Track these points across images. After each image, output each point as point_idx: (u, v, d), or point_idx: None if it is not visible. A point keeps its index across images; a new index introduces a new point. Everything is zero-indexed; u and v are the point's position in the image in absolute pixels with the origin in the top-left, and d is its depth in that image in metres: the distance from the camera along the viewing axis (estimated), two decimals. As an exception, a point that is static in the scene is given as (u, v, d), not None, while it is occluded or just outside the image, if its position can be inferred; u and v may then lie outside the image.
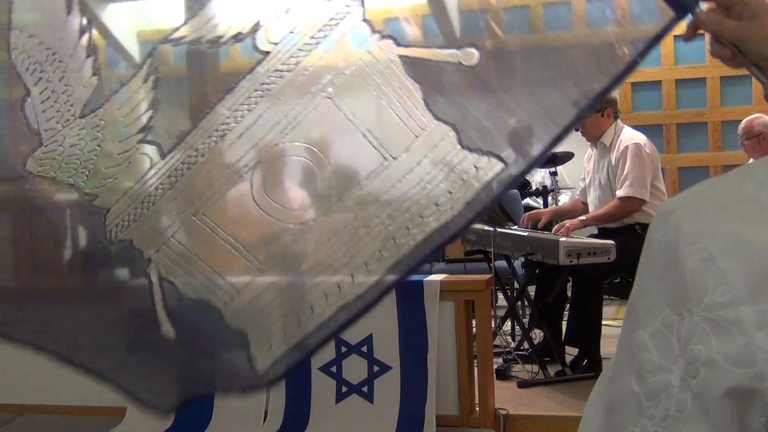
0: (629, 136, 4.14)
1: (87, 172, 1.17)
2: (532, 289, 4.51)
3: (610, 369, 0.57)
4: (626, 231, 4.08)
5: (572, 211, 4.63)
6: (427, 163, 1.03)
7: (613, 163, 4.12)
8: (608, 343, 4.32)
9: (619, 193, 4.06)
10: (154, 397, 1.17)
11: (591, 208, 4.34)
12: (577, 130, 4.29)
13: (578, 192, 4.61)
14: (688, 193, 0.55)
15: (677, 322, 0.52)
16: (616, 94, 4.34)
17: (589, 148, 4.40)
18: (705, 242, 0.52)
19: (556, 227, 4.08)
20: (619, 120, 4.24)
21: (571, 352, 4.14)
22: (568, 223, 4.06)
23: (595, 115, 4.16)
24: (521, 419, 3.32)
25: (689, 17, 0.94)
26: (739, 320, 0.50)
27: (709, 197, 0.54)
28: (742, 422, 0.50)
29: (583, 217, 4.17)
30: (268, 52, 1.09)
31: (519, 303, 4.68)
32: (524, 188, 6.16)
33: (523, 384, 3.82)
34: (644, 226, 4.09)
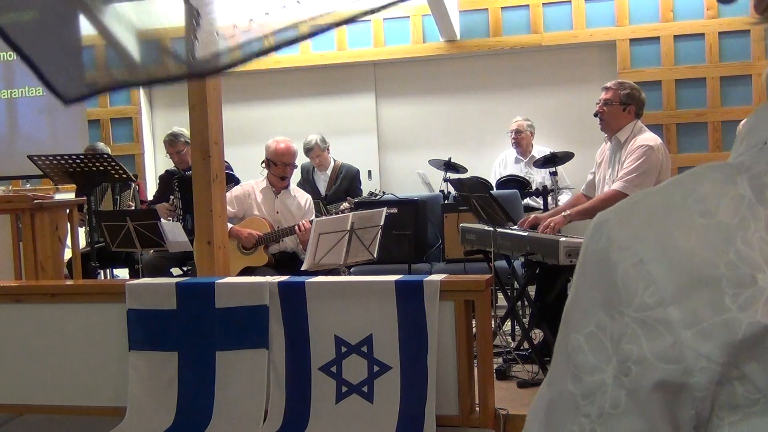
0: (644, 136, 4.14)
1: None
2: (532, 289, 4.51)
3: (550, 373, 0.59)
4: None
5: (571, 208, 4.63)
6: None
7: (623, 159, 4.12)
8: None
9: (614, 185, 4.06)
10: (64, 81, 1.12)
11: None
12: (596, 115, 4.29)
13: (583, 186, 4.59)
14: (621, 205, 0.58)
15: (609, 324, 0.54)
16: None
17: (604, 142, 4.39)
18: (635, 248, 0.54)
19: (541, 227, 4.07)
20: (639, 121, 4.24)
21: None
22: (552, 221, 4.06)
23: (617, 107, 4.17)
24: (521, 419, 3.31)
25: None
26: (667, 320, 0.52)
27: (640, 207, 0.57)
28: (673, 415, 0.52)
29: (567, 212, 4.17)
30: None
31: (519, 303, 4.68)
32: (524, 188, 6.16)
33: (523, 384, 3.82)
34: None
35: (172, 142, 5.97)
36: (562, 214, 4.14)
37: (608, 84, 4.31)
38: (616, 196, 4.05)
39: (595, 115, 4.29)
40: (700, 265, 0.53)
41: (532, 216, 4.40)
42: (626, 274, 0.54)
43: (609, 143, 4.30)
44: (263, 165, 5.22)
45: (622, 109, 4.17)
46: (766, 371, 0.51)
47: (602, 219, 0.58)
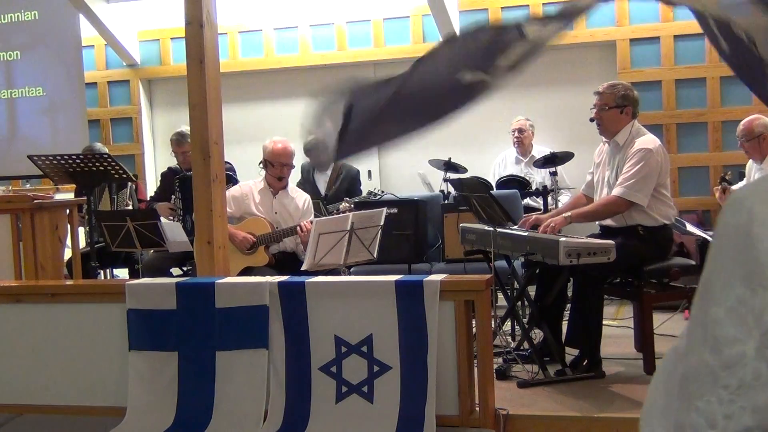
0: (643, 139, 4.12)
1: None
2: (532, 289, 4.51)
3: (681, 346, 0.60)
4: (627, 231, 4.08)
5: (572, 209, 4.63)
6: None
7: (622, 163, 4.11)
8: (608, 343, 4.32)
9: (614, 191, 4.06)
10: None
11: None
12: (592, 121, 4.28)
13: (583, 186, 4.59)
14: (758, 182, 0.59)
15: (751, 297, 0.55)
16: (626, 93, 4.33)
17: (601, 143, 4.38)
18: None
19: (541, 228, 4.07)
20: (636, 121, 4.23)
21: (571, 352, 4.14)
22: (553, 222, 4.06)
23: (614, 110, 4.16)
24: (521, 419, 3.32)
25: None
26: None
27: None
28: None
29: (568, 214, 4.17)
30: None
31: (519, 303, 4.68)
32: (524, 188, 6.16)
33: (523, 384, 3.82)
34: (646, 228, 4.09)
35: (179, 141, 5.95)
36: (563, 215, 4.14)
37: (600, 88, 4.27)
38: (617, 202, 4.05)
39: (592, 120, 4.28)
40: None
41: (533, 216, 4.40)
42: None
43: (607, 145, 4.30)
44: (261, 165, 5.22)
45: (619, 111, 4.17)
46: None
47: (742, 195, 0.59)
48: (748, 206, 0.57)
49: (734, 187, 5.28)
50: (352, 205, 5.02)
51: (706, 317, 0.57)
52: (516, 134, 6.60)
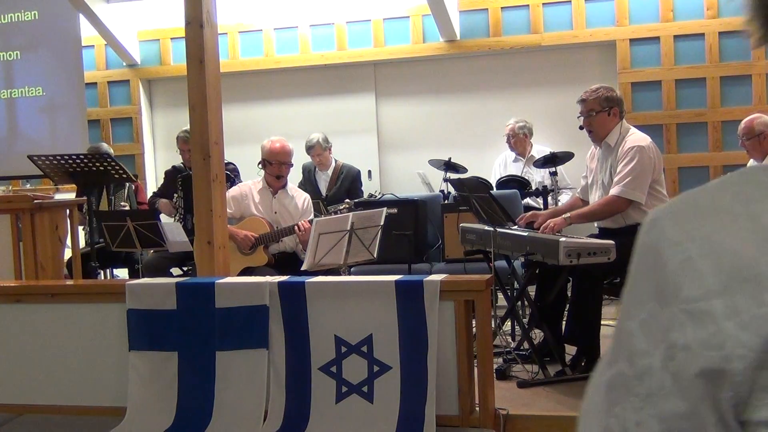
0: (634, 137, 4.13)
1: None
2: (532, 289, 4.51)
3: (608, 354, 0.66)
4: (627, 231, 4.08)
5: (570, 210, 4.63)
6: None
7: (616, 164, 4.12)
8: (608, 343, 4.32)
9: (612, 191, 4.07)
10: None
11: None
12: (582, 129, 4.29)
13: (579, 190, 4.61)
14: (673, 203, 0.64)
15: (660, 313, 0.60)
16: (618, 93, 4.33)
17: (593, 147, 4.39)
18: (686, 245, 0.60)
19: (541, 228, 4.08)
20: (624, 120, 4.23)
21: (570, 351, 4.14)
22: (552, 222, 4.06)
23: (602, 114, 4.16)
24: (521, 419, 3.32)
25: None
26: (711, 311, 0.58)
27: (690, 206, 0.63)
28: (713, 397, 0.58)
29: (567, 215, 4.17)
30: None
31: (519, 303, 4.68)
32: (524, 188, 6.16)
33: (523, 384, 3.82)
34: (645, 227, 4.08)
35: (186, 139, 5.95)
36: (563, 216, 4.14)
37: (582, 96, 4.26)
38: (616, 201, 4.05)
39: (581, 128, 4.29)
40: (743, 263, 0.58)
41: (530, 213, 4.41)
42: (676, 269, 0.60)
43: (598, 148, 4.31)
44: (260, 165, 5.22)
45: (606, 114, 4.17)
46: None
47: (656, 216, 0.64)
48: (660, 226, 0.63)
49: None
50: (352, 205, 5.02)
51: (623, 330, 0.63)
52: (507, 140, 6.63)
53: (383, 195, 5.93)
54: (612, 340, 0.66)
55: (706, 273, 0.58)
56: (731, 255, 0.58)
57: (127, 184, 6.08)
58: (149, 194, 6.67)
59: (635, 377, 0.61)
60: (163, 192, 6.21)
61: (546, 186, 6.17)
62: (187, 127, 5.76)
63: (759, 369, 0.56)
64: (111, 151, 6.47)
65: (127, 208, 5.99)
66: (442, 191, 6.36)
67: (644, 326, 0.61)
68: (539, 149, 6.57)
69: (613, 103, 4.17)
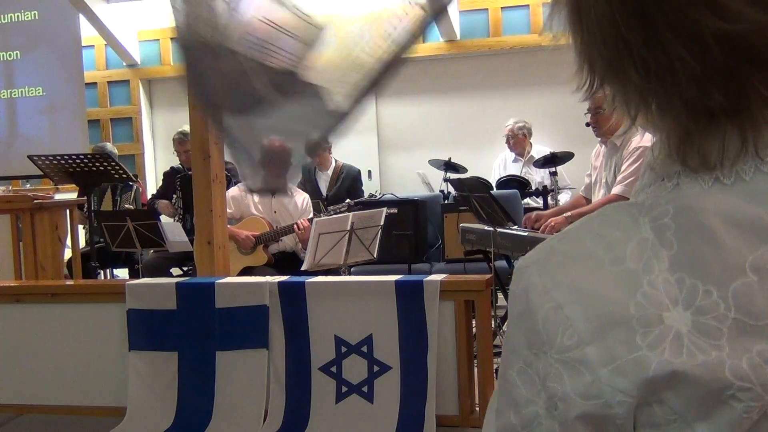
0: (639, 138, 4.12)
1: None
2: (532, 289, 4.50)
3: (495, 401, 0.65)
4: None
5: (573, 209, 4.63)
6: None
7: (621, 163, 4.11)
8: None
9: (614, 190, 4.06)
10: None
11: None
12: (588, 125, 4.28)
13: (582, 188, 4.59)
14: (539, 250, 0.64)
15: (535, 362, 0.60)
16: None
17: (598, 144, 4.38)
18: (553, 293, 0.60)
19: (542, 227, 4.07)
20: None
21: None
22: (552, 221, 4.06)
23: (608, 112, 4.15)
24: (521, 419, 3.32)
25: None
26: (586, 359, 0.57)
27: (556, 253, 0.62)
28: None
29: (568, 213, 4.17)
30: None
31: (519, 303, 4.67)
32: (524, 188, 6.16)
33: (523, 384, 3.81)
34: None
35: (181, 140, 5.96)
36: (564, 215, 4.14)
37: None
38: (618, 201, 4.04)
39: (587, 125, 4.28)
40: (612, 307, 0.57)
41: (534, 213, 4.41)
42: (546, 318, 0.59)
43: (604, 146, 4.31)
44: None
45: (612, 110, 4.16)
46: (680, 397, 0.56)
47: (524, 264, 0.63)
48: (527, 275, 0.62)
49: None
50: (352, 204, 5.03)
51: (505, 380, 0.63)
52: (506, 140, 6.63)
53: (383, 195, 5.94)
54: (496, 388, 0.66)
55: (576, 320, 0.58)
56: (600, 300, 0.58)
57: (135, 187, 6.09)
58: (149, 196, 6.68)
59: (522, 426, 0.61)
60: (162, 194, 6.21)
61: (546, 186, 6.17)
62: (185, 127, 5.80)
63: (639, 408, 0.57)
64: (115, 151, 6.48)
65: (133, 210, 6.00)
66: (442, 191, 6.36)
67: (523, 375, 0.61)
68: (539, 149, 6.57)
69: None
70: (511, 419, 0.61)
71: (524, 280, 0.62)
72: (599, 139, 4.31)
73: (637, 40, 0.60)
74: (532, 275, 0.62)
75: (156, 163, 8.16)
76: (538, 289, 0.61)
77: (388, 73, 1.46)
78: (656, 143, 0.67)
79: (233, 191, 5.19)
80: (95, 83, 8.01)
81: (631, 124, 0.66)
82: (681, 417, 0.56)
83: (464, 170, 6.37)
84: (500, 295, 4.77)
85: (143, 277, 4.79)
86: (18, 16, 7.86)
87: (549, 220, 4.10)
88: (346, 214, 4.46)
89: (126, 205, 6.01)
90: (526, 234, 4.04)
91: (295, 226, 4.91)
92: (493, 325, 3.52)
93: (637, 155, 4.04)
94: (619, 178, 4.07)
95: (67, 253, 4.86)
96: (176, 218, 5.72)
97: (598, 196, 4.31)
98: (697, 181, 0.61)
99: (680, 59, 0.57)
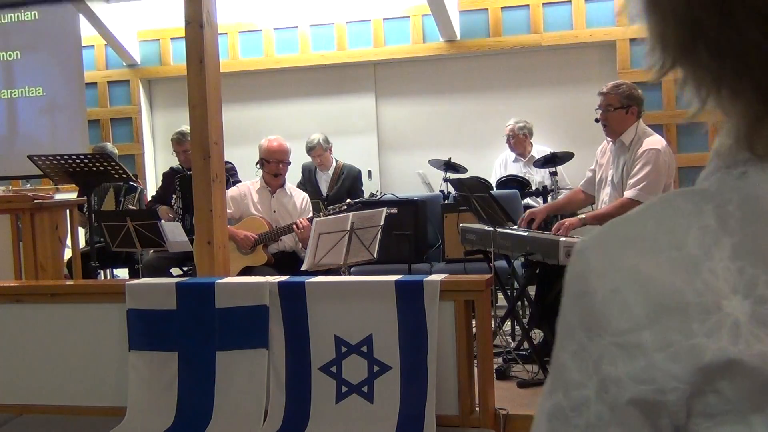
0: (650, 140, 4.12)
1: None
2: (532, 289, 4.51)
3: (547, 383, 0.65)
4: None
5: (568, 205, 4.64)
6: None
7: (629, 164, 4.11)
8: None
9: (627, 194, 4.05)
10: None
11: (601, 205, 4.33)
12: (597, 122, 4.28)
13: (582, 182, 4.58)
14: (600, 233, 0.64)
15: (589, 345, 0.60)
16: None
17: (605, 141, 4.37)
18: (612, 276, 0.60)
19: (555, 226, 4.08)
20: (641, 121, 4.22)
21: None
22: (567, 222, 4.06)
23: (619, 111, 4.14)
24: (521, 419, 3.32)
25: None
26: (641, 343, 0.57)
27: (616, 236, 0.62)
28: (652, 425, 0.58)
29: (582, 215, 4.17)
30: None
31: (519, 303, 4.68)
32: (524, 188, 6.16)
33: (523, 384, 3.82)
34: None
35: (179, 140, 5.96)
36: (578, 217, 4.14)
37: (604, 89, 4.26)
38: (630, 205, 4.04)
39: (597, 121, 4.27)
40: (670, 292, 0.57)
41: (527, 213, 4.41)
42: (604, 301, 0.59)
43: (612, 144, 4.30)
44: (258, 165, 5.23)
45: (624, 111, 4.15)
46: (735, 387, 0.55)
47: (583, 246, 0.63)
48: (586, 257, 0.62)
49: None
50: (352, 204, 5.03)
51: (557, 360, 0.63)
52: (507, 140, 6.63)
53: (383, 195, 5.93)
54: (550, 368, 0.66)
55: (633, 304, 0.58)
56: (657, 285, 0.58)
57: (139, 188, 6.09)
58: (149, 198, 6.67)
59: (571, 408, 0.61)
60: (161, 195, 6.20)
61: (546, 186, 6.17)
62: (184, 127, 5.80)
63: (693, 397, 0.56)
64: (116, 151, 6.48)
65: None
66: (442, 191, 6.36)
67: (576, 357, 0.61)
68: (539, 149, 6.57)
69: (633, 101, 4.16)
70: (561, 401, 0.62)
71: (582, 263, 0.62)
72: (608, 138, 4.31)
73: (711, 21, 0.59)
74: (590, 258, 0.62)
75: (156, 163, 8.16)
76: (596, 271, 0.61)
77: None
78: (724, 129, 0.67)
79: (233, 191, 5.19)
80: (95, 83, 8.00)
81: (701, 106, 0.67)
82: (736, 408, 0.56)
83: (464, 170, 6.37)
84: (500, 295, 4.77)
85: (143, 277, 4.79)
86: (18, 16, 7.85)
87: (564, 220, 4.09)
88: (346, 214, 4.46)
89: (129, 207, 6.01)
90: (526, 234, 4.04)
91: (295, 226, 4.92)
92: (493, 325, 3.52)
93: (648, 158, 4.03)
94: (631, 181, 4.06)
95: (67, 253, 4.86)
96: (176, 219, 5.72)
97: (602, 193, 4.31)
98: (765, 170, 0.60)
99: (753, 42, 0.57)
